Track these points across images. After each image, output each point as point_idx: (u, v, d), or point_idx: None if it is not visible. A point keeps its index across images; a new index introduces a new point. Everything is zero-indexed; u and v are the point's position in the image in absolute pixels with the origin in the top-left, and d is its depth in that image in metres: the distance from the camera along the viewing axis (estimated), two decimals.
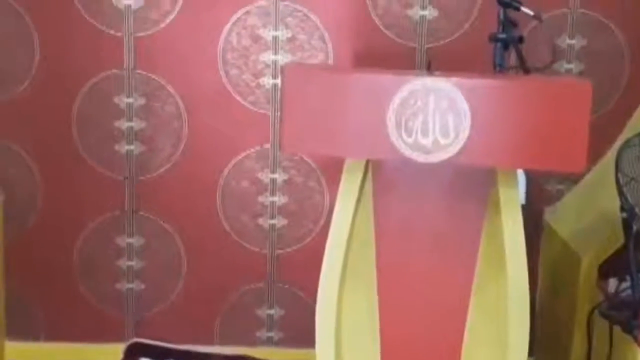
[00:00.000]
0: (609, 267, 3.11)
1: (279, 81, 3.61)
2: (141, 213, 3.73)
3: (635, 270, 2.71)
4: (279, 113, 3.63)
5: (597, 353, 3.02)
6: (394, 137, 2.48)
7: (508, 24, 3.13)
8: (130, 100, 3.64)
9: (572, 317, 3.19)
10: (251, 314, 3.81)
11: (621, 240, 2.79)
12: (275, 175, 3.72)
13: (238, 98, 3.65)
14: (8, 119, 3.63)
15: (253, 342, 3.83)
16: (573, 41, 3.62)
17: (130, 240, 3.76)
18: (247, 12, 3.60)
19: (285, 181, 3.72)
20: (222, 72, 3.63)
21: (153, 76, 3.63)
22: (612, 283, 3.08)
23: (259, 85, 3.65)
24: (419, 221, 2.75)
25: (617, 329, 2.82)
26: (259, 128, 3.68)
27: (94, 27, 3.57)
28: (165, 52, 3.61)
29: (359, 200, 2.74)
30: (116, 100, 3.64)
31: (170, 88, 3.64)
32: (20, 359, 3.70)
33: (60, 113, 3.63)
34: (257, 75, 3.64)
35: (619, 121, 3.43)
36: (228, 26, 3.60)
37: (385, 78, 2.52)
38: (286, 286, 3.79)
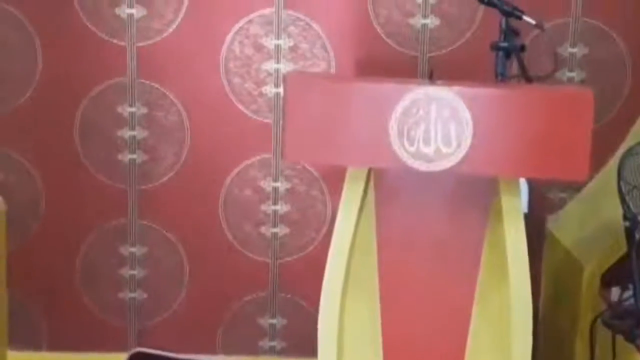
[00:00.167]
0: (612, 276, 3.11)
1: (281, 90, 3.62)
2: (144, 222, 3.73)
3: (638, 279, 2.70)
4: (281, 122, 3.63)
5: None
6: (396, 145, 2.48)
7: (510, 32, 3.13)
8: (133, 109, 3.65)
9: (574, 326, 3.19)
10: (253, 323, 3.81)
11: (624, 248, 2.79)
12: (278, 184, 3.72)
13: (240, 107, 3.66)
14: (11, 128, 3.63)
15: (255, 352, 3.83)
16: (575, 50, 3.63)
17: (132, 249, 3.76)
18: (250, 21, 3.61)
19: (287, 190, 3.72)
20: (224, 81, 3.64)
21: (156, 85, 3.64)
22: (615, 292, 3.08)
23: (261, 94, 3.66)
24: (421, 230, 2.75)
25: (619, 338, 2.81)
26: (262, 137, 3.68)
27: (96, 36, 3.58)
28: (167, 61, 3.62)
29: (361, 209, 2.74)
30: (119, 109, 3.65)
31: (172, 97, 3.65)
32: None
33: (62, 122, 3.64)
34: (260, 84, 3.65)
35: (621, 129, 3.44)
36: (230, 35, 3.61)
37: (388, 87, 2.52)
38: (288, 295, 3.78)
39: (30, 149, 3.65)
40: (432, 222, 2.75)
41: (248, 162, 3.70)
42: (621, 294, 2.99)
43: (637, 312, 2.73)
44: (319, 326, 2.76)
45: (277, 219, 3.74)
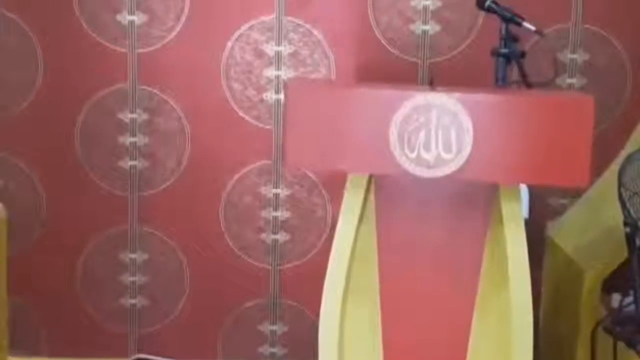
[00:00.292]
0: (613, 282, 3.10)
1: (282, 96, 3.62)
2: (144, 228, 3.73)
3: (639, 285, 2.70)
4: (282, 128, 3.63)
5: None
6: (396, 152, 2.48)
7: (510, 39, 3.14)
8: (134, 115, 3.65)
9: (575, 333, 3.18)
10: (254, 330, 3.81)
11: (625, 255, 2.79)
12: (278, 190, 3.72)
13: (241, 113, 3.66)
14: (12, 134, 3.64)
15: (256, 358, 3.82)
16: (575, 56, 3.63)
17: (133, 255, 3.76)
18: (250, 28, 3.61)
19: (288, 196, 3.72)
20: (225, 87, 3.64)
21: (156, 91, 3.64)
22: (616, 298, 3.08)
23: (262, 100, 3.66)
24: (422, 236, 2.75)
25: (621, 344, 2.81)
26: (262, 143, 3.68)
27: (97, 42, 3.59)
28: (168, 67, 3.62)
29: (361, 215, 2.74)
30: (120, 115, 3.65)
31: (173, 103, 3.65)
32: None
33: (64, 128, 3.64)
34: (260, 90, 3.65)
35: (621, 135, 3.43)
36: (231, 41, 3.62)
37: (388, 93, 2.53)
38: (289, 301, 3.78)
39: (31, 155, 3.66)
40: (432, 228, 2.75)
41: (249, 168, 3.70)
42: (622, 300, 2.99)
43: (638, 318, 2.73)
44: (320, 332, 2.76)
45: (277, 226, 3.74)
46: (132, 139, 3.67)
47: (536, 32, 3.14)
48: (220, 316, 3.78)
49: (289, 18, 3.60)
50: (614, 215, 2.84)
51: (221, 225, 3.72)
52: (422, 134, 2.47)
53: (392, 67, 3.60)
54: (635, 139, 3.36)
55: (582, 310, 3.15)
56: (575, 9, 3.59)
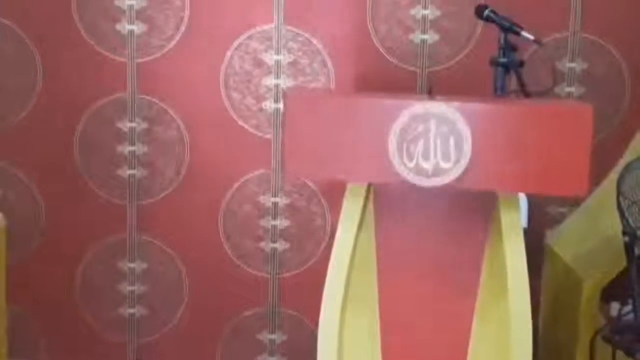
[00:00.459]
0: (612, 291, 3.10)
1: (281, 105, 3.63)
2: (143, 237, 3.73)
3: (638, 294, 2.70)
4: (281, 137, 3.64)
5: None
6: (395, 161, 2.48)
7: (508, 48, 3.14)
8: (133, 124, 3.66)
9: (574, 341, 3.18)
10: (253, 339, 3.80)
11: (623, 263, 2.79)
12: (277, 199, 3.72)
13: (240, 122, 3.66)
14: (11, 143, 3.64)
15: None
16: (574, 64, 3.64)
17: (132, 264, 3.76)
18: (249, 37, 3.62)
19: (287, 205, 3.72)
20: (224, 96, 3.65)
21: (155, 100, 3.65)
22: (615, 307, 3.08)
23: (261, 110, 3.66)
24: (421, 245, 2.75)
25: (620, 353, 2.80)
26: (261, 152, 3.69)
27: (97, 52, 3.59)
28: (167, 76, 3.63)
29: (360, 224, 2.74)
30: (119, 124, 3.65)
31: (172, 112, 3.65)
32: None
33: (63, 137, 3.65)
34: (259, 99, 3.66)
35: (620, 144, 3.43)
36: (230, 51, 3.62)
37: (387, 102, 2.53)
38: (288, 310, 3.78)
39: (30, 164, 3.66)
40: (431, 237, 2.75)
41: (248, 177, 3.70)
42: (621, 309, 2.99)
43: (636, 327, 2.73)
44: (319, 341, 2.75)
45: (276, 234, 3.74)
46: (131, 148, 3.67)
47: (535, 41, 3.14)
48: (219, 325, 3.78)
49: (288, 27, 3.61)
50: (613, 224, 2.84)
51: (220, 234, 3.72)
52: (420, 143, 2.48)
53: (391, 76, 3.60)
54: (633, 148, 3.37)
55: (581, 319, 3.15)
56: (574, 18, 3.60)
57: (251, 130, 3.67)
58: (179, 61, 3.61)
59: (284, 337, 3.81)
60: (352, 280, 2.76)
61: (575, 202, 3.56)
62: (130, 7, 3.59)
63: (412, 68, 3.63)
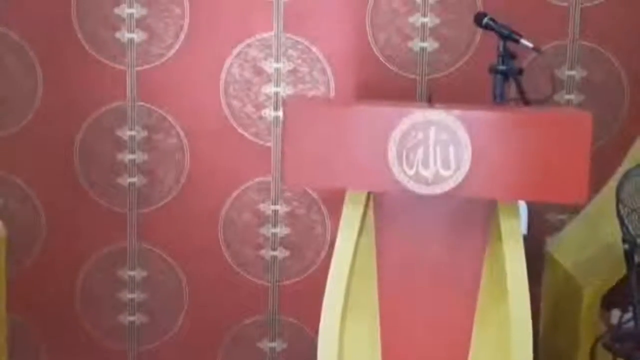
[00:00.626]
0: (612, 298, 3.10)
1: (280, 113, 3.63)
2: (143, 245, 3.73)
3: (638, 302, 2.70)
4: (280, 145, 3.64)
5: None
6: (395, 169, 2.48)
7: (508, 56, 3.15)
8: (133, 132, 3.66)
9: (575, 349, 3.18)
10: (253, 347, 3.80)
11: (623, 271, 2.79)
12: (277, 207, 3.72)
13: (240, 130, 3.67)
14: (11, 152, 3.64)
15: None
16: (573, 72, 3.64)
17: (132, 272, 3.75)
18: (249, 45, 3.62)
19: (287, 213, 3.73)
20: (224, 104, 3.65)
21: (155, 109, 3.65)
22: (615, 314, 3.07)
23: (260, 117, 3.67)
24: (421, 252, 2.75)
25: None
26: (261, 160, 3.69)
27: (96, 60, 3.60)
28: (167, 84, 3.63)
29: (360, 232, 2.74)
30: (119, 132, 3.66)
31: (172, 120, 3.66)
32: None
33: (63, 146, 3.65)
34: (259, 107, 3.66)
35: (619, 152, 3.44)
36: (230, 59, 3.63)
37: (387, 110, 2.53)
38: (288, 318, 3.78)
39: (30, 173, 3.66)
40: (431, 244, 2.75)
41: (247, 185, 3.70)
42: (621, 317, 2.99)
43: (637, 334, 2.73)
44: (319, 349, 2.75)
45: (276, 242, 3.74)
46: (131, 156, 3.68)
47: (534, 49, 3.15)
48: (219, 333, 3.78)
49: (288, 35, 3.62)
50: (613, 232, 2.84)
51: (220, 241, 3.72)
52: (420, 151, 2.48)
53: (390, 84, 3.61)
54: (632, 156, 3.37)
55: (581, 326, 3.14)
56: (573, 26, 3.61)
57: (251, 138, 3.67)
58: (178, 69, 3.62)
59: (284, 345, 3.81)
60: (353, 287, 2.76)
61: (575, 210, 3.56)
62: (130, 15, 3.60)
63: (412, 76, 3.63)
